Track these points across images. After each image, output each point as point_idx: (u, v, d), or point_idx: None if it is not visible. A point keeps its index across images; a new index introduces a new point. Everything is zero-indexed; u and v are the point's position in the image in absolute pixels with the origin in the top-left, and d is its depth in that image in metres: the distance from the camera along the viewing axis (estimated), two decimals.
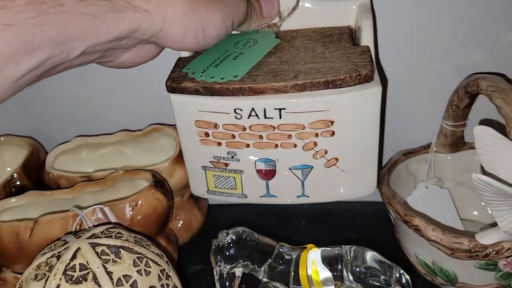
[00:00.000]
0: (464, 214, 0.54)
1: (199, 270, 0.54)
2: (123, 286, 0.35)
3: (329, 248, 0.41)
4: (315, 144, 0.42)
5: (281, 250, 0.42)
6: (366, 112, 0.41)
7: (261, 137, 0.43)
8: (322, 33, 0.47)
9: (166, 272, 0.38)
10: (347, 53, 0.43)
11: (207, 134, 0.45)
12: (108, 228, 0.40)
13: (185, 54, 0.47)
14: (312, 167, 0.44)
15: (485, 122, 0.54)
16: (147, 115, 0.60)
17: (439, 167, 0.54)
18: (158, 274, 0.37)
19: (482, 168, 0.40)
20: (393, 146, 0.57)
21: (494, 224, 0.40)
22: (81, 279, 0.35)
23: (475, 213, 0.55)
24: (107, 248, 0.37)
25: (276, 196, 0.47)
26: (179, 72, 0.44)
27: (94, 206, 0.45)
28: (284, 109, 0.41)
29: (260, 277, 0.42)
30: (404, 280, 0.38)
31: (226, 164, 0.46)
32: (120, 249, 0.37)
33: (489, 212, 0.40)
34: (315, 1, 0.48)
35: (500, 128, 0.39)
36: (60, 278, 0.35)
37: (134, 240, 0.39)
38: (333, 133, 0.42)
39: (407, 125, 0.58)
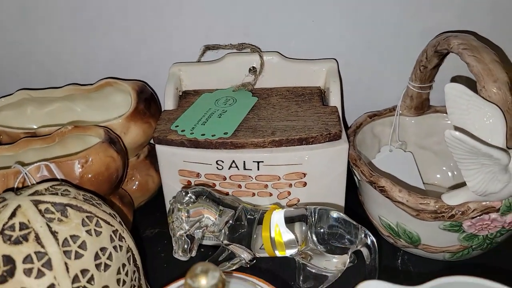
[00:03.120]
0: (426, 178, 0.53)
1: (155, 234, 0.51)
2: (70, 247, 0.31)
3: (293, 209, 0.39)
4: (289, 193, 0.45)
5: (243, 210, 0.40)
6: (334, 166, 0.44)
7: (240, 186, 0.44)
8: (295, 92, 0.50)
9: (119, 233, 0.34)
10: (318, 113, 0.46)
11: (189, 182, 0.45)
12: (53, 185, 0.35)
13: (169, 107, 0.48)
14: None
15: (455, 80, 0.52)
16: (100, 69, 0.56)
17: (403, 130, 0.52)
18: (110, 235, 0.33)
19: (454, 127, 0.38)
20: (361, 108, 0.54)
21: (455, 187, 0.39)
22: (21, 239, 0.30)
23: (438, 176, 0.53)
24: (52, 206, 0.32)
25: None
26: (165, 125, 0.45)
27: (39, 163, 0.40)
28: (262, 162, 0.43)
29: (221, 239, 0.40)
30: (369, 241, 0.37)
31: None
32: (67, 207, 0.32)
33: (450, 175, 0.39)
34: (289, 62, 0.51)
35: (467, 86, 0.37)
36: None
37: (83, 198, 0.34)
38: (305, 184, 0.44)
39: (375, 87, 0.56)
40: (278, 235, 0.38)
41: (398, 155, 0.53)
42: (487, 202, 0.38)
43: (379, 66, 0.55)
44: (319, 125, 0.44)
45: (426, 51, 0.47)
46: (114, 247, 0.34)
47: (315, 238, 0.37)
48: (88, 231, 0.32)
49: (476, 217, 0.39)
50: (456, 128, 0.38)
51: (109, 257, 0.33)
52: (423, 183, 0.52)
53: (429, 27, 0.51)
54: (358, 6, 0.50)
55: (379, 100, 0.55)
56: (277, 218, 0.39)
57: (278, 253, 0.39)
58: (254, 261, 0.42)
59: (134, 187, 0.51)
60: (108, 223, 0.34)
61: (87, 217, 0.33)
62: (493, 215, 0.39)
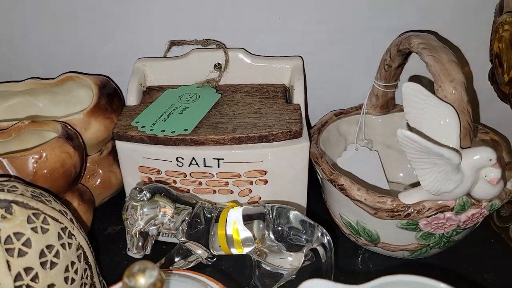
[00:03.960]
0: (391, 176, 0.53)
1: (118, 230, 0.50)
2: (13, 245, 0.30)
3: (251, 207, 0.38)
4: (250, 191, 0.44)
5: (200, 208, 0.39)
6: (295, 163, 0.44)
7: (200, 183, 0.44)
8: (259, 89, 0.50)
9: (69, 231, 0.33)
10: (280, 110, 0.46)
11: (150, 179, 0.45)
12: (0, 181, 0.34)
13: (131, 102, 0.47)
14: None
15: (415, 79, 0.52)
16: (64, 63, 0.54)
17: (369, 128, 0.52)
18: (58, 232, 0.32)
19: (408, 127, 0.38)
20: (328, 105, 0.54)
21: (416, 185, 0.39)
22: None
23: (401, 175, 0.53)
24: None
25: None
26: (125, 121, 0.44)
27: None
28: (222, 159, 0.42)
29: (179, 237, 0.39)
30: (325, 240, 0.37)
31: None
32: (12, 203, 0.31)
33: (414, 173, 0.35)
34: (254, 59, 0.51)
35: (429, 86, 0.37)
36: None
37: (31, 194, 0.33)
38: (266, 182, 0.44)
39: (342, 85, 0.56)
40: (236, 232, 0.38)
41: (364, 154, 0.53)
42: (442, 201, 0.38)
43: (346, 64, 0.55)
44: (280, 123, 0.44)
45: (389, 50, 0.47)
46: (62, 245, 0.33)
47: (272, 236, 0.37)
48: (33, 229, 0.31)
49: (431, 216, 0.39)
50: (412, 127, 0.39)
51: (56, 255, 0.32)
52: (388, 181, 0.52)
53: (395, 26, 0.51)
54: (325, 3, 0.50)
55: (346, 98, 0.55)
56: (235, 216, 0.38)
57: (235, 251, 0.39)
58: (215, 258, 0.42)
59: (97, 183, 0.50)
60: (57, 220, 0.33)
61: (33, 214, 0.32)
62: (448, 214, 0.39)
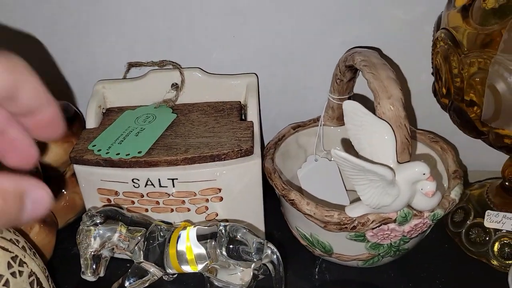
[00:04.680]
0: (351, 185, 0.52)
1: None
2: None
3: (203, 226, 0.39)
4: (207, 208, 0.46)
5: (155, 229, 0.40)
6: (248, 180, 0.45)
7: (157, 202, 0.45)
8: (215, 107, 0.51)
9: (20, 259, 0.35)
10: (233, 128, 0.47)
11: (109, 200, 0.46)
12: None
13: (91, 125, 0.49)
14: None
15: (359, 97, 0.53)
16: None
17: (328, 140, 0.53)
18: (8, 262, 0.34)
19: (342, 144, 0.39)
20: (286, 119, 0.55)
21: None
22: None
23: None
24: None
25: None
26: (83, 145, 0.45)
27: None
28: (177, 179, 0.43)
29: (135, 258, 0.40)
30: (274, 257, 0.38)
31: None
32: None
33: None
34: (210, 77, 0.52)
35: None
36: None
37: None
38: (221, 199, 0.45)
39: (300, 98, 0.57)
40: (189, 250, 0.39)
41: (323, 164, 0.54)
42: (385, 214, 0.39)
43: (303, 77, 0.56)
44: (232, 141, 0.45)
45: (339, 66, 0.48)
46: (13, 273, 0.34)
47: (224, 253, 0.38)
48: None
49: (376, 227, 0.40)
50: (353, 143, 0.40)
51: (6, 284, 0.33)
52: (347, 189, 0.54)
53: (347, 41, 0.52)
54: (278, 19, 0.51)
55: (305, 111, 0.56)
56: (188, 234, 0.39)
57: (189, 269, 0.40)
58: (175, 275, 0.43)
59: (61, 204, 0.51)
60: (7, 250, 0.34)
61: None
62: (392, 225, 0.40)
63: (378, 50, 0.52)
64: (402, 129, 0.38)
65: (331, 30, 0.52)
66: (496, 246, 0.47)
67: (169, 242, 0.39)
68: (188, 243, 0.39)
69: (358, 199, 0.41)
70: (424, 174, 0.36)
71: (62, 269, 0.48)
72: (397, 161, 0.38)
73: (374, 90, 0.39)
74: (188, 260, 0.39)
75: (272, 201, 0.50)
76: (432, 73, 0.45)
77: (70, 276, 0.48)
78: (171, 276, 0.43)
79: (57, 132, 0.24)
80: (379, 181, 0.36)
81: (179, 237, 0.40)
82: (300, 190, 0.53)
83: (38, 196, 0.20)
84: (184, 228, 0.40)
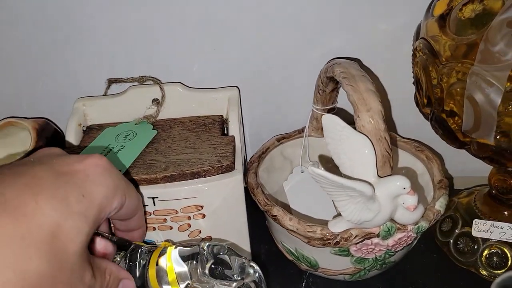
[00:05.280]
0: None
1: None
2: None
3: (184, 246, 0.38)
4: (189, 225, 0.45)
5: (136, 250, 0.39)
6: (230, 197, 0.44)
7: None
8: (197, 122, 0.50)
9: None
10: (214, 143, 0.47)
11: None
12: None
13: (71, 143, 0.48)
14: None
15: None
16: (4, 104, 0.55)
17: (314, 150, 0.53)
18: None
19: (316, 162, 0.39)
20: (270, 131, 0.55)
21: None
22: None
23: None
24: None
25: None
26: None
27: None
28: (157, 197, 0.43)
29: None
30: (256, 276, 0.37)
31: None
32: None
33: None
34: (191, 92, 0.51)
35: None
36: None
37: None
38: (204, 216, 0.44)
39: (283, 110, 0.56)
40: (170, 270, 0.38)
41: (310, 176, 0.53)
42: (367, 228, 0.39)
43: (285, 89, 0.55)
44: (213, 157, 0.44)
45: (320, 77, 0.47)
46: None
47: (207, 271, 0.37)
48: None
49: (359, 242, 0.39)
50: (333, 157, 0.39)
51: None
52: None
53: (328, 52, 0.52)
54: (260, 31, 0.51)
55: (289, 122, 0.55)
56: (169, 254, 0.38)
57: None
58: None
59: None
60: None
61: None
62: (375, 240, 0.39)
63: (358, 61, 0.51)
64: (382, 142, 0.38)
65: (311, 41, 0.52)
66: (484, 256, 0.46)
67: (148, 262, 0.39)
68: (169, 263, 0.38)
69: (338, 214, 0.40)
70: (404, 188, 0.36)
71: None
72: (378, 175, 0.37)
73: (354, 102, 0.38)
74: (169, 281, 0.39)
75: (259, 214, 0.49)
76: (413, 83, 0.45)
77: None
78: None
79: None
80: (358, 196, 0.35)
81: (159, 256, 0.39)
82: (286, 203, 0.52)
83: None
84: (165, 248, 0.40)
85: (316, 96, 0.50)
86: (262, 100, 0.56)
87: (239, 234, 0.47)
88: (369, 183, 0.36)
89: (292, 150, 0.53)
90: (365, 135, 0.37)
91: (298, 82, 0.55)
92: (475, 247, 0.47)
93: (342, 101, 0.50)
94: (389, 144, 0.38)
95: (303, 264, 0.45)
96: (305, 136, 0.52)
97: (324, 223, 0.41)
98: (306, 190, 0.52)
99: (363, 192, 0.35)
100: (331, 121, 0.38)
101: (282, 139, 0.53)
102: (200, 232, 0.46)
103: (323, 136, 0.51)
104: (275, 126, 0.57)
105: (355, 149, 0.37)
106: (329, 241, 0.40)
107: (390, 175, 0.38)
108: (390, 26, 0.50)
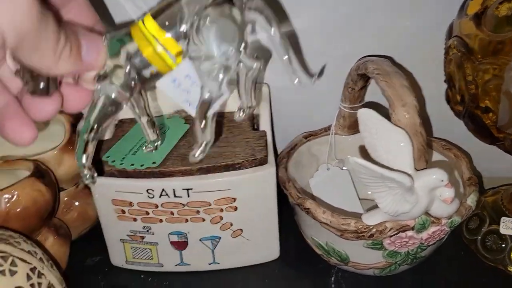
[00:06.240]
0: (363, 194, 0.54)
1: (96, 262, 0.51)
2: None
3: (159, 12, 0.29)
4: (221, 218, 0.46)
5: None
6: (263, 190, 0.45)
7: (172, 213, 0.45)
8: (227, 117, 0.51)
9: (38, 271, 0.35)
10: (247, 138, 0.47)
11: (123, 211, 0.46)
12: None
13: (104, 136, 0.49)
14: (220, 237, 0.47)
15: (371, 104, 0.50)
16: None
17: (340, 148, 0.53)
18: (27, 273, 0.34)
19: (360, 151, 0.39)
20: (297, 128, 0.55)
21: None
22: None
23: None
24: None
25: (189, 264, 0.49)
26: (97, 156, 0.45)
27: None
28: (191, 189, 0.43)
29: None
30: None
31: (142, 237, 0.47)
32: None
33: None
34: None
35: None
36: None
37: None
38: (236, 208, 0.45)
39: (310, 108, 0.56)
40: (170, 42, 0.29)
41: (335, 173, 0.54)
42: (402, 221, 0.39)
43: (313, 87, 0.56)
44: (246, 151, 0.45)
45: (350, 74, 0.48)
46: (32, 285, 0.34)
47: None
48: (1, 271, 0.33)
49: (393, 235, 0.40)
50: (369, 151, 0.40)
51: None
52: (360, 198, 0.54)
53: (354, 51, 0.52)
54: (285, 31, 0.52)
55: (316, 120, 0.56)
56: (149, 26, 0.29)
57: (174, 59, 0.30)
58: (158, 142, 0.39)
59: (74, 216, 0.51)
60: (25, 261, 0.35)
61: (1, 257, 0.33)
62: (410, 233, 0.40)
63: (390, 58, 0.52)
64: (418, 136, 0.38)
65: (340, 40, 0.52)
66: None
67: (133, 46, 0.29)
68: (161, 35, 0.29)
69: (372, 208, 0.41)
70: (442, 180, 0.36)
71: (77, 281, 0.48)
72: (415, 168, 0.38)
73: (389, 98, 0.39)
74: (175, 55, 0.29)
75: (286, 210, 0.50)
76: (445, 81, 0.46)
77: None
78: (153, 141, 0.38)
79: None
80: (397, 188, 0.36)
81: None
82: (313, 199, 0.53)
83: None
84: (142, 21, 0.29)
85: (344, 94, 0.50)
86: (289, 98, 0.56)
87: (269, 228, 0.48)
88: (408, 175, 0.36)
89: (319, 147, 0.54)
90: (403, 128, 0.38)
91: (325, 80, 0.55)
92: (503, 245, 0.48)
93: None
94: (425, 138, 0.39)
95: (333, 259, 0.46)
96: (332, 134, 0.53)
97: (355, 217, 0.41)
98: (331, 188, 0.53)
99: (403, 183, 0.35)
100: (367, 115, 0.39)
101: (309, 136, 0.54)
102: (231, 224, 0.46)
103: (350, 134, 0.53)
104: (301, 124, 0.57)
105: (392, 142, 0.38)
106: (363, 234, 0.40)
107: (425, 168, 0.39)
108: (415, 25, 0.51)
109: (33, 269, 0.35)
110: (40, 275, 0.35)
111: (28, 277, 0.34)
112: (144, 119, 0.36)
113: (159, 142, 0.39)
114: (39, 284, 0.35)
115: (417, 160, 0.38)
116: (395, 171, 0.36)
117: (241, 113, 0.37)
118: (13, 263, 0.34)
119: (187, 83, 0.32)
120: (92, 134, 0.32)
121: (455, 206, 0.39)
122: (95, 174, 0.34)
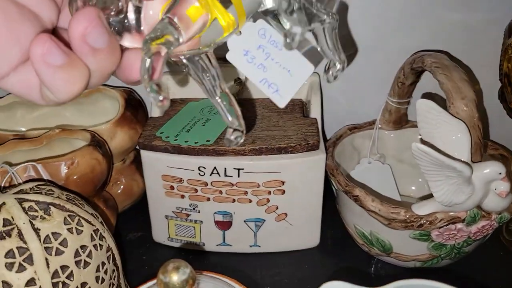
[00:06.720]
0: (403, 190, 0.54)
1: (138, 237, 0.53)
2: (51, 244, 0.32)
3: None
4: (268, 200, 0.46)
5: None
6: (312, 175, 0.46)
7: (220, 192, 0.46)
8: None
9: (100, 233, 0.36)
10: (298, 123, 0.48)
11: (172, 187, 0.47)
12: (38, 185, 0.37)
13: (155, 114, 0.50)
14: (264, 220, 0.48)
15: (427, 96, 0.52)
16: None
17: (382, 143, 0.53)
18: (91, 234, 0.35)
19: (422, 141, 0.39)
20: (342, 120, 0.56)
21: (428, 198, 0.41)
22: (4, 235, 0.31)
23: (413, 188, 0.55)
24: (35, 204, 0.34)
25: (231, 245, 0.50)
26: (150, 132, 0.47)
27: (26, 163, 0.41)
28: (243, 169, 0.44)
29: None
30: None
31: (188, 215, 0.48)
32: (50, 206, 0.34)
33: (426, 186, 0.38)
34: None
35: (441, 103, 0.39)
36: None
37: (66, 198, 0.36)
38: (283, 192, 0.46)
39: (356, 101, 0.57)
40: None
41: (376, 167, 0.54)
42: (453, 213, 0.40)
43: (360, 81, 0.57)
44: (298, 136, 0.46)
45: (403, 68, 0.49)
46: (94, 246, 0.35)
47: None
48: (69, 229, 0.34)
49: (443, 227, 0.40)
50: (425, 142, 0.40)
51: (89, 255, 0.34)
52: (400, 194, 0.54)
53: (407, 45, 0.52)
54: (340, 24, 0.52)
55: (360, 113, 0.57)
56: None
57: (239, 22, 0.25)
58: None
59: (119, 191, 0.52)
60: (90, 222, 0.36)
61: (69, 216, 0.34)
62: (459, 225, 0.40)
63: (446, 53, 0.52)
64: (476, 129, 0.39)
65: (390, 36, 0.53)
66: None
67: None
68: None
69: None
70: (500, 173, 0.37)
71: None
72: (471, 160, 0.38)
73: (447, 91, 0.40)
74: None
75: (326, 200, 0.50)
76: (500, 79, 0.46)
77: (125, 262, 0.49)
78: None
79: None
80: (455, 177, 0.36)
81: None
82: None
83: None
84: None
85: (393, 89, 0.51)
86: (336, 90, 0.57)
87: (312, 215, 0.49)
88: (469, 165, 0.37)
89: (362, 141, 0.54)
90: (462, 120, 0.38)
91: (373, 74, 0.56)
92: None
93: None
94: (482, 132, 0.39)
95: (375, 249, 0.46)
96: (376, 128, 0.53)
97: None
98: (372, 182, 0.53)
99: (462, 172, 0.36)
100: (427, 106, 0.40)
101: (354, 129, 0.54)
102: (277, 208, 0.47)
103: (393, 130, 0.53)
104: (345, 115, 0.58)
105: (451, 134, 0.38)
106: (412, 224, 0.41)
107: (480, 161, 0.39)
108: (469, 20, 0.51)
109: (95, 231, 0.36)
110: (101, 237, 0.36)
111: (92, 238, 0.35)
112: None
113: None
114: (100, 246, 0.36)
115: (473, 153, 0.39)
116: (457, 160, 0.36)
117: (334, 70, 0.31)
118: (79, 223, 0.35)
119: (261, 56, 0.30)
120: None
121: (508, 201, 0.39)
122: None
